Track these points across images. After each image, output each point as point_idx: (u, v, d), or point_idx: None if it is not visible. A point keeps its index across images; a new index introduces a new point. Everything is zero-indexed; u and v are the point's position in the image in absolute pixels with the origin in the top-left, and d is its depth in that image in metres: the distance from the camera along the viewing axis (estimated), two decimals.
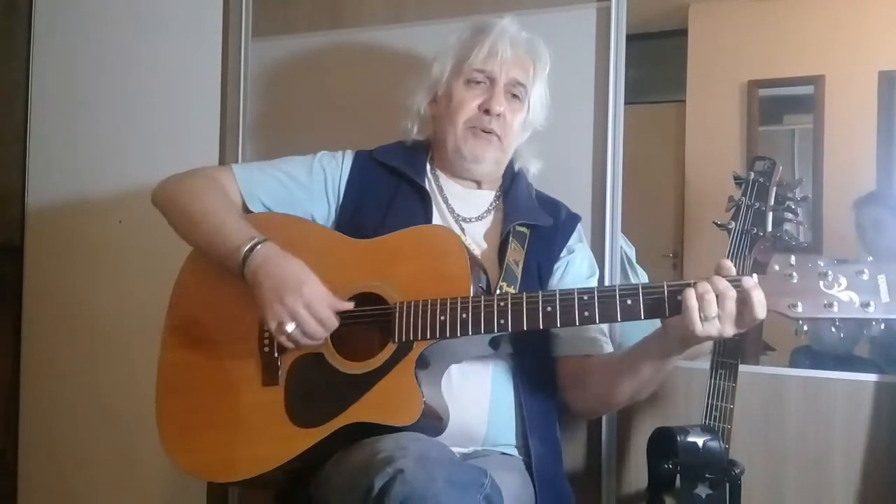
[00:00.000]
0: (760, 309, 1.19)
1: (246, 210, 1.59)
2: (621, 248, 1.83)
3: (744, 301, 1.19)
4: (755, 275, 1.21)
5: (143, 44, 2.24)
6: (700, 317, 1.20)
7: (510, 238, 1.55)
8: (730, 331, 1.21)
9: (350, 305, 1.40)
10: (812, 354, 1.72)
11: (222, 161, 2.17)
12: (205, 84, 2.19)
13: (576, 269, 1.61)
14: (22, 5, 2.33)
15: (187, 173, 1.60)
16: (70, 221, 2.27)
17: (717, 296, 1.20)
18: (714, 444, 1.51)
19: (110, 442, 2.19)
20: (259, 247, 1.40)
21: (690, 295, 1.20)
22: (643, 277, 1.83)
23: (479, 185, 1.66)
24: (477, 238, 1.60)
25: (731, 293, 1.20)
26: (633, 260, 1.85)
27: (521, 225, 1.57)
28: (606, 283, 1.76)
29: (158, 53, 2.22)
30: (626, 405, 1.56)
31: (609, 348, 1.56)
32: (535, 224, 1.59)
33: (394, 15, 2.04)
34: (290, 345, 1.38)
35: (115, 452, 2.18)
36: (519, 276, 1.51)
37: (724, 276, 1.22)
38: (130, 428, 2.03)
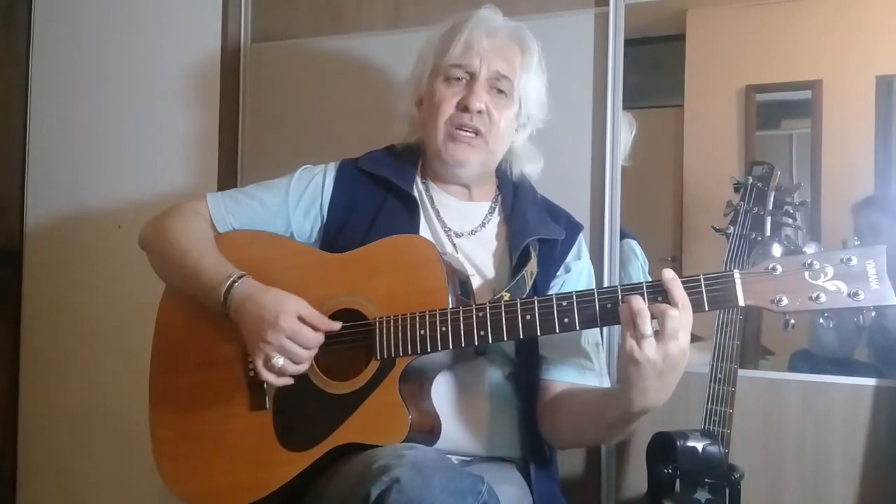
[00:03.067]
0: (685, 310, 1.15)
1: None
2: (640, 262, 1.83)
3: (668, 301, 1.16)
4: (736, 270, 1.18)
5: (142, 49, 2.24)
6: (636, 336, 1.16)
7: (530, 250, 1.50)
8: (671, 346, 1.15)
9: (338, 325, 1.37)
10: (811, 358, 1.71)
11: (221, 165, 2.17)
12: (203, 88, 2.19)
13: (570, 289, 1.50)
14: (21, 11, 2.33)
15: (165, 214, 1.57)
16: (69, 226, 2.28)
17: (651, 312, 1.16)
18: (713, 448, 1.51)
19: (109, 447, 2.19)
20: (235, 286, 1.38)
21: (624, 314, 1.17)
22: None
23: (470, 192, 1.60)
24: (471, 253, 1.54)
25: (673, 312, 1.15)
26: (647, 272, 1.84)
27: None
28: None
29: (157, 58, 2.22)
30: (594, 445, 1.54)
31: (594, 378, 1.49)
32: (546, 238, 1.54)
33: (393, 21, 2.04)
34: (281, 381, 1.35)
35: (115, 458, 2.19)
36: (527, 289, 1.46)
37: (694, 276, 1.18)
38: (129, 433, 2.02)
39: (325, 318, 1.36)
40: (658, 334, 1.16)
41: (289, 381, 1.35)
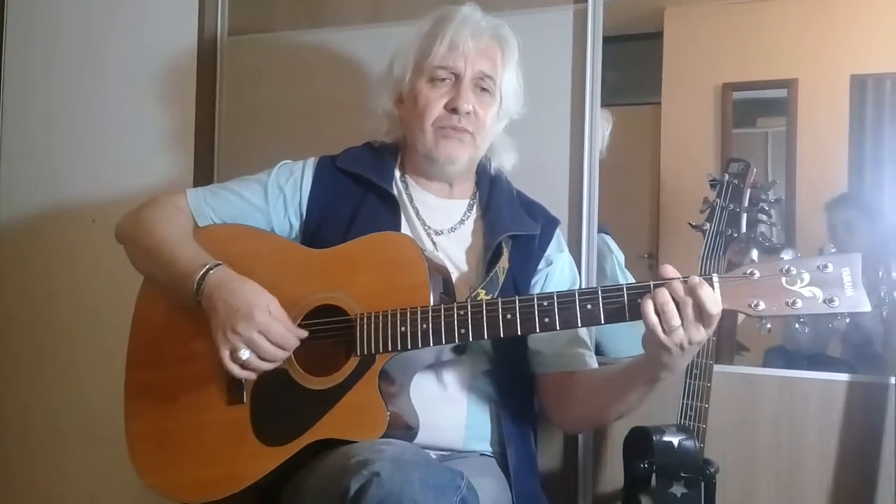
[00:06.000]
0: (712, 305, 1.16)
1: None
2: (614, 255, 1.84)
3: (695, 299, 1.17)
4: (715, 274, 1.19)
5: (117, 40, 2.21)
6: (663, 329, 1.18)
7: (502, 246, 1.51)
8: (696, 335, 1.18)
9: (305, 333, 1.37)
10: (785, 354, 1.73)
11: (197, 159, 2.15)
12: (180, 81, 2.17)
13: (555, 282, 1.57)
14: None
15: (143, 206, 1.56)
16: (43, 220, 2.24)
17: (677, 304, 1.17)
18: (689, 443, 1.52)
19: (85, 442, 2.17)
20: (210, 273, 1.37)
21: (649, 311, 1.18)
22: (632, 282, 1.83)
23: (451, 189, 1.60)
24: (450, 250, 1.55)
25: (690, 299, 1.17)
26: (623, 265, 1.86)
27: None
28: (584, 285, 1.77)
29: (133, 50, 2.20)
30: (614, 422, 1.58)
31: (593, 363, 1.53)
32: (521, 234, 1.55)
33: (373, 14, 2.04)
34: (245, 374, 1.34)
35: (91, 452, 2.16)
36: (500, 284, 1.48)
37: (673, 279, 1.19)
38: (106, 428, 2.00)
39: (292, 325, 1.36)
40: (682, 321, 1.18)
41: (251, 375, 1.35)
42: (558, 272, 1.59)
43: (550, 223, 1.63)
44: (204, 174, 2.14)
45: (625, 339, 1.79)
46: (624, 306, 1.22)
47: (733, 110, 1.83)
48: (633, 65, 1.94)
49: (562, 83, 1.86)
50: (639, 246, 1.90)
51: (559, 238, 1.65)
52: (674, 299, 1.18)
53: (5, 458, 2.27)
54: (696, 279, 1.18)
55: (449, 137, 1.52)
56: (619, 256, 1.86)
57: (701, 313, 1.17)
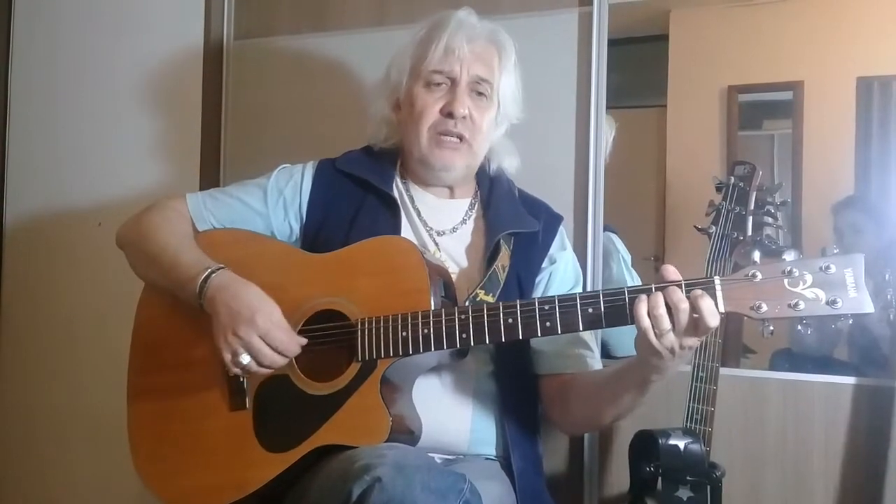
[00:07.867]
0: (711, 317, 1.15)
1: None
2: (620, 254, 1.84)
3: (694, 310, 1.16)
4: (717, 277, 1.18)
5: (123, 45, 2.22)
6: (655, 333, 1.17)
7: (501, 244, 1.51)
8: (689, 341, 1.18)
9: (304, 341, 1.37)
10: (792, 357, 1.73)
11: (203, 163, 2.16)
12: (186, 85, 2.18)
13: (559, 280, 1.57)
14: (0, 8, 2.31)
15: (143, 211, 1.57)
16: (49, 224, 2.26)
17: (669, 308, 1.16)
18: (695, 446, 1.51)
19: (88, 446, 2.18)
20: (213, 276, 1.38)
21: (642, 313, 1.17)
22: (638, 282, 1.84)
23: (451, 192, 1.61)
24: (453, 250, 1.55)
25: (684, 305, 1.16)
26: (630, 264, 1.85)
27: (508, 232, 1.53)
28: (589, 288, 1.77)
29: (139, 55, 2.21)
30: (611, 425, 1.57)
31: (596, 364, 1.53)
32: (522, 231, 1.55)
33: (377, 18, 2.04)
34: (258, 370, 1.35)
35: (94, 456, 2.17)
36: (502, 283, 1.48)
37: (675, 282, 1.18)
38: (109, 432, 2.00)
39: (293, 332, 1.36)
40: (673, 326, 1.17)
41: (261, 370, 1.35)
42: (562, 270, 1.59)
43: (553, 220, 1.63)
44: (210, 177, 2.15)
45: (628, 336, 1.79)
46: (625, 310, 1.21)
47: (739, 113, 1.82)
48: (638, 67, 1.94)
49: (567, 86, 1.86)
50: (645, 248, 1.89)
51: (562, 235, 1.64)
52: (667, 304, 1.17)
53: (8, 461, 2.29)
54: (698, 291, 1.16)
55: (443, 146, 1.52)
56: (625, 255, 1.85)
57: (696, 322, 1.16)
